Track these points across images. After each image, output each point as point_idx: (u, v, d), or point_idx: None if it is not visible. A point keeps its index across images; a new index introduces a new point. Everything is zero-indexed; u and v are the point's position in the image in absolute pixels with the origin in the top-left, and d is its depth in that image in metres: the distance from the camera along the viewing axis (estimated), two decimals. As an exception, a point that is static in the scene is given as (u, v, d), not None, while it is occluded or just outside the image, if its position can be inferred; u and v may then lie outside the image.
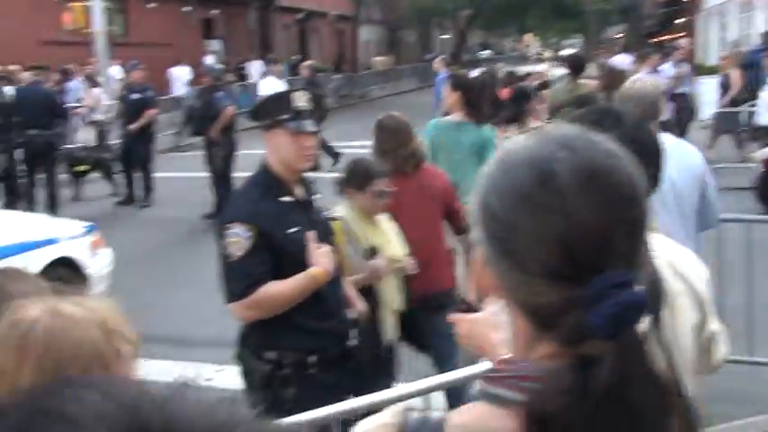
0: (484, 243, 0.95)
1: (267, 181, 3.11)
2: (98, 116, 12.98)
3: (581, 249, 0.87)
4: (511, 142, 0.98)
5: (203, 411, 0.37)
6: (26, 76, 10.95)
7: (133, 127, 10.63)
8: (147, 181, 10.89)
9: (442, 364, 3.90)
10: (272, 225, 2.99)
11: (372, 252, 3.64)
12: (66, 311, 1.24)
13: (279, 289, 2.98)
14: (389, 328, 3.69)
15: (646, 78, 5.28)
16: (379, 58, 37.05)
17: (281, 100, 3.11)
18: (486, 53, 29.21)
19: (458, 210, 4.47)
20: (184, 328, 6.05)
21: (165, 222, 9.94)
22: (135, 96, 10.75)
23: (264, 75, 24.01)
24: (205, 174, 10.01)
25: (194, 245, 8.60)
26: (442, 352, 3.93)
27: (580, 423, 0.83)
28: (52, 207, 9.75)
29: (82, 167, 11.17)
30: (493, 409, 0.92)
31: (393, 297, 3.72)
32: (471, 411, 0.96)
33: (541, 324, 0.91)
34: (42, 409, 0.38)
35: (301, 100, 3.08)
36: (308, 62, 17.80)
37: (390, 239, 3.78)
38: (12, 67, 12.55)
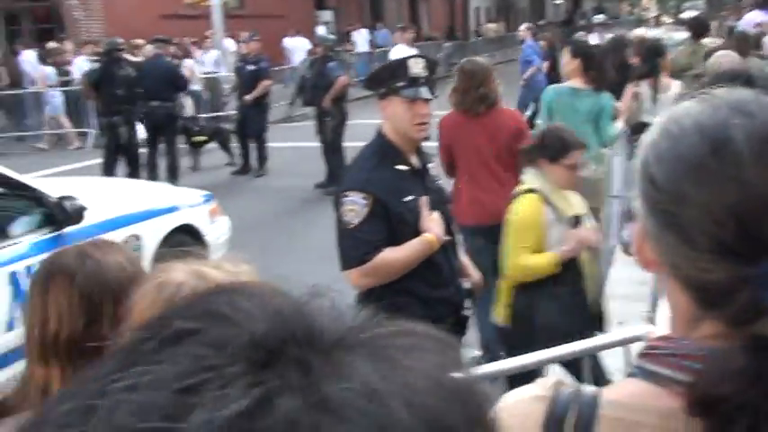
0: (645, 216, 0.88)
1: (383, 149, 3.09)
2: (194, 87, 13.29)
3: (757, 223, 0.79)
4: (676, 109, 0.90)
5: (334, 316, 0.44)
6: (149, 50, 11.35)
7: (248, 98, 10.86)
8: (261, 151, 11.11)
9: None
10: (387, 193, 2.98)
11: (576, 221, 3.44)
12: (209, 275, 1.29)
13: (395, 255, 2.98)
14: (594, 298, 3.57)
15: (733, 54, 5.04)
16: (490, 25, 36.49)
17: (397, 67, 3.08)
18: (600, 17, 28.16)
19: None
20: (298, 295, 6.17)
21: (279, 191, 10.14)
22: (250, 68, 10.94)
23: (370, 42, 24.01)
24: (317, 144, 10.14)
25: (307, 213, 8.75)
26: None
27: (752, 409, 0.76)
28: (173, 176, 10.10)
29: (200, 138, 11.53)
30: (650, 387, 0.86)
31: (591, 267, 3.57)
32: (628, 388, 0.90)
33: (706, 302, 0.84)
34: (199, 311, 0.43)
35: (417, 67, 3.04)
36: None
37: (582, 210, 3.59)
38: (136, 41, 13.03)
